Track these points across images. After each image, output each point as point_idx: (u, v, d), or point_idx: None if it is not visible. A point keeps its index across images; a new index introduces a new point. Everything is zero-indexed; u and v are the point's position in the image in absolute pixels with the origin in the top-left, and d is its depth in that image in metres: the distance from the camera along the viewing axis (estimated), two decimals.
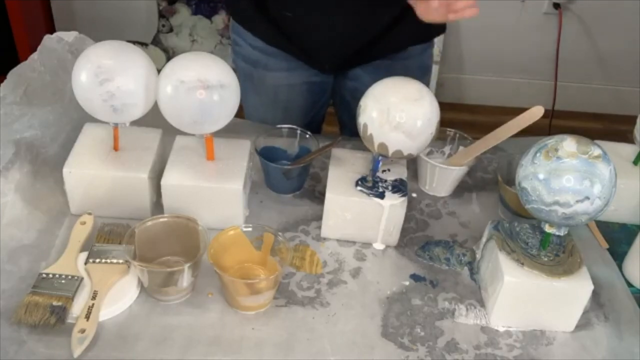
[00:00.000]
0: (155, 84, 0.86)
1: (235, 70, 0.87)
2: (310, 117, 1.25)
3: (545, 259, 0.84)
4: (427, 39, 1.19)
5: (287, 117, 1.17)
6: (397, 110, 0.84)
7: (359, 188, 0.92)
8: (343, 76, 1.22)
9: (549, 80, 2.60)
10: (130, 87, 0.84)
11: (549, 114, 2.48)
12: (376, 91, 0.87)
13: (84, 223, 0.90)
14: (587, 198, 0.75)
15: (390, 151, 0.87)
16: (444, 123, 0.93)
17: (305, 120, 1.23)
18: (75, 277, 0.82)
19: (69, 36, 1.13)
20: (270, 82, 1.18)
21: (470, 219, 1.02)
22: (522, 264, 0.83)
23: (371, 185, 0.93)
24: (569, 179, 0.75)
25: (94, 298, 0.79)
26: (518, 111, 0.92)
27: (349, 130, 1.25)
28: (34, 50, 1.10)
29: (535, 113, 0.91)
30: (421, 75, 1.19)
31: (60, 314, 0.77)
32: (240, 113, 0.92)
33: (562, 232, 0.81)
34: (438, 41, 2.45)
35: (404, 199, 0.91)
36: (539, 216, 0.80)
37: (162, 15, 2.43)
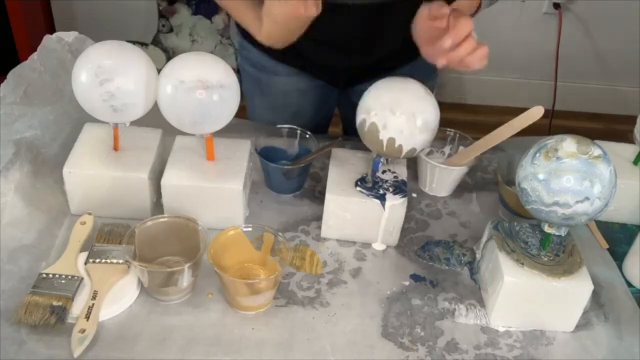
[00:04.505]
0: (155, 84, 0.86)
1: (237, 71, 0.87)
2: (318, 120, 1.25)
3: (545, 259, 0.84)
4: None
5: (296, 120, 1.17)
6: (419, 112, 0.84)
7: (358, 188, 0.92)
8: (347, 93, 1.22)
9: (549, 80, 2.60)
10: (130, 87, 0.84)
11: (549, 114, 2.48)
12: (384, 101, 0.85)
13: (84, 223, 0.90)
14: (587, 198, 0.75)
15: (416, 153, 0.88)
16: (444, 123, 0.93)
17: (314, 123, 1.23)
18: (75, 277, 0.82)
19: (69, 36, 1.13)
20: (280, 86, 1.17)
21: (470, 219, 1.02)
22: (522, 264, 0.83)
23: (371, 185, 0.93)
24: (568, 179, 0.75)
25: (94, 298, 0.79)
26: (518, 111, 0.92)
27: (353, 131, 1.25)
28: (34, 50, 1.10)
29: (535, 113, 0.90)
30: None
31: (60, 314, 0.77)
32: (240, 113, 0.92)
33: (562, 232, 0.81)
34: None
35: (404, 199, 0.91)
36: (539, 216, 0.80)
37: (162, 15, 2.43)
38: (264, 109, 1.21)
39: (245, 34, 1.15)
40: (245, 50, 1.17)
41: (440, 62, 0.84)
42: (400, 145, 0.85)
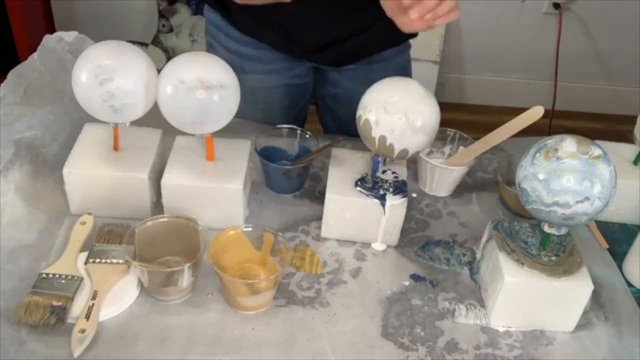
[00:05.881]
0: (155, 84, 0.86)
1: None
2: (291, 118, 1.25)
3: (545, 259, 0.84)
4: (400, 41, 1.20)
5: (266, 117, 1.18)
6: (414, 113, 0.84)
7: (358, 188, 0.92)
8: (322, 82, 1.23)
9: (549, 80, 2.60)
10: (130, 87, 0.84)
11: (549, 114, 2.48)
12: (381, 98, 0.85)
13: (84, 223, 0.90)
14: (587, 199, 0.75)
15: (410, 154, 0.87)
16: (444, 123, 0.93)
17: (286, 121, 1.23)
18: (75, 277, 0.82)
19: (69, 36, 1.13)
20: (247, 84, 1.17)
21: (470, 219, 1.02)
22: (522, 264, 0.83)
23: (371, 186, 0.93)
24: (568, 179, 0.75)
25: (94, 298, 0.79)
26: (518, 111, 0.92)
27: (335, 132, 1.26)
28: (34, 50, 1.10)
29: (535, 113, 0.91)
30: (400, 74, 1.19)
31: (60, 314, 0.77)
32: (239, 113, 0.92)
33: (562, 232, 0.81)
34: (438, 41, 2.45)
35: (404, 199, 0.91)
36: (539, 216, 0.80)
37: (162, 15, 2.43)
38: (248, 108, 1.21)
39: (214, 33, 1.17)
40: (213, 49, 1.18)
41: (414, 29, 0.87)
42: (391, 144, 0.85)
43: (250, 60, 1.16)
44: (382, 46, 1.16)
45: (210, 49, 1.20)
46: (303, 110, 1.30)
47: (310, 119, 1.34)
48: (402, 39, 1.20)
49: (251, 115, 1.14)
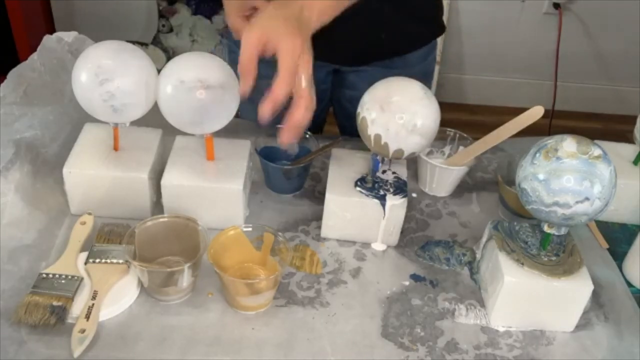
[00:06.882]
0: (155, 84, 0.86)
1: None
2: (309, 124, 1.25)
3: (545, 259, 0.84)
4: (424, 42, 1.19)
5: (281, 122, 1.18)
6: (410, 114, 0.84)
7: (358, 189, 0.92)
8: (340, 85, 1.23)
9: (549, 80, 2.61)
10: (130, 87, 0.84)
11: (549, 114, 2.48)
12: (379, 97, 0.86)
13: (84, 223, 0.90)
14: (587, 199, 0.75)
15: (406, 154, 0.87)
16: (444, 123, 0.93)
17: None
18: (75, 277, 0.82)
19: (69, 36, 1.13)
20: (263, 87, 1.17)
21: (470, 219, 1.02)
22: (522, 264, 0.83)
23: (371, 186, 0.93)
24: (568, 179, 0.75)
25: (94, 298, 0.79)
26: (518, 111, 0.92)
27: (350, 134, 1.25)
28: (34, 50, 1.10)
29: (535, 113, 0.91)
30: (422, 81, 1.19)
31: (60, 314, 0.77)
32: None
33: (562, 232, 0.81)
34: (438, 41, 2.45)
35: (404, 199, 0.91)
36: (539, 217, 0.80)
37: (162, 15, 2.43)
38: (252, 109, 1.21)
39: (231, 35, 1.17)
40: (234, 53, 1.17)
41: None
42: (386, 143, 0.85)
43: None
44: (403, 45, 1.15)
45: (233, 55, 1.18)
46: (322, 115, 1.29)
47: (327, 120, 1.34)
48: (426, 38, 1.19)
49: (270, 122, 1.14)
